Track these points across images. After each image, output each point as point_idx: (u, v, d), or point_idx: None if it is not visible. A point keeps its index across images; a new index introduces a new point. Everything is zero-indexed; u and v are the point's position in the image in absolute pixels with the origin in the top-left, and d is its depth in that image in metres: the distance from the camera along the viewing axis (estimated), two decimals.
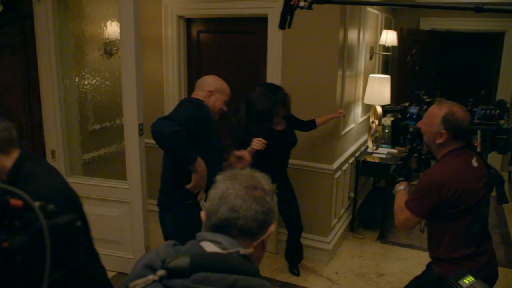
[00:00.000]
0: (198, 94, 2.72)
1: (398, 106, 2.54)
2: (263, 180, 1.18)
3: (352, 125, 4.41)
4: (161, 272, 1.02)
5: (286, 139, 3.41)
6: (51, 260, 0.70)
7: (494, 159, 4.08)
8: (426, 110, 2.26)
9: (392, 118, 5.07)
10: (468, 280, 1.46)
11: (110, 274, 3.63)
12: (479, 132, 2.17)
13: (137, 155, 3.36)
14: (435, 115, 2.10)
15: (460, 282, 1.46)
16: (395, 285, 3.61)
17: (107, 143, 3.76)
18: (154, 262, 1.08)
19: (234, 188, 1.12)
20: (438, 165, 2.15)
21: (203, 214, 1.18)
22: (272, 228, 1.16)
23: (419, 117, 2.32)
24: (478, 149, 2.18)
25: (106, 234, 3.63)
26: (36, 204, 0.72)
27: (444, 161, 2.12)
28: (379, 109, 4.51)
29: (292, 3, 1.78)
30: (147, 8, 4.15)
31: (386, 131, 5.13)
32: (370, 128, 4.66)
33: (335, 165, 3.86)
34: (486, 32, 6.27)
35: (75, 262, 0.80)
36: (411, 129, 2.36)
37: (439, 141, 2.10)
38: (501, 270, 3.98)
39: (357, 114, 4.61)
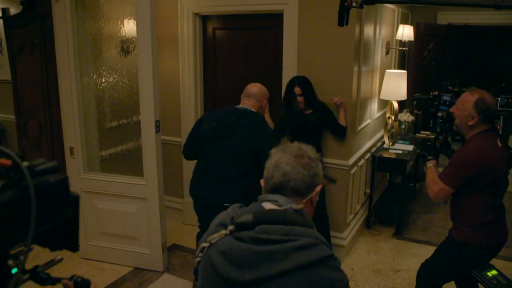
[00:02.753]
0: (255, 104, 2.99)
1: (429, 95, 2.89)
2: (309, 150, 1.41)
3: (368, 121, 4.39)
4: (231, 227, 1.27)
5: (308, 122, 3.59)
6: (40, 215, 0.78)
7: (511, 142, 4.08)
8: (457, 97, 2.62)
9: (408, 114, 5.06)
10: (491, 273, 1.57)
11: (127, 269, 3.70)
12: (501, 117, 2.55)
13: (154, 152, 3.40)
14: (468, 100, 2.42)
15: (483, 273, 1.56)
16: (411, 281, 3.59)
17: (124, 140, 3.80)
18: (224, 220, 1.32)
19: (285, 157, 1.36)
20: (471, 143, 2.45)
21: (262, 181, 1.42)
22: (319, 188, 1.39)
23: (451, 103, 2.69)
24: (500, 132, 2.56)
25: (123, 230, 3.68)
26: (24, 163, 0.78)
27: (475, 140, 2.44)
28: (396, 105, 4.47)
29: (346, 4, 2.07)
30: (163, 6, 4.18)
31: (403, 126, 5.10)
32: (386, 123, 4.63)
33: (351, 160, 3.85)
34: (505, 25, 6.16)
35: (64, 217, 0.88)
36: (440, 114, 2.73)
37: (471, 123, 2.42)
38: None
39: (373, 110, 4.59)
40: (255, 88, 3.03)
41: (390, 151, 4.53)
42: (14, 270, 0.85)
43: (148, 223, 3.61)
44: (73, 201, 0.90)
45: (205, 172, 2.93)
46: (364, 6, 2.10)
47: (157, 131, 3.37)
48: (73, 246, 0.96)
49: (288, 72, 3.78)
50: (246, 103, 2.98)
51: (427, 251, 4.09)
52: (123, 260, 3.75)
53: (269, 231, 1.22)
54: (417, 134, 4.98)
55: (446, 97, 2.76)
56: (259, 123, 2.94)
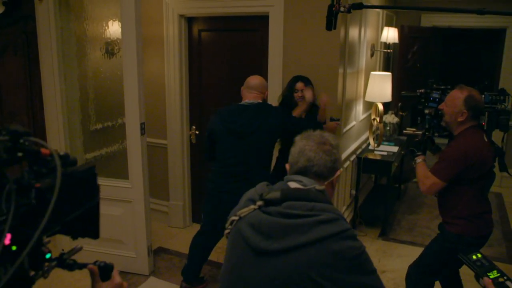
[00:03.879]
0: (259, 96, 3.09)
1: (416, 92, 2.97)
2: (330, 137, 1.56)
3: (353, 123, 4.42)
4: (260, 203, 1.43)
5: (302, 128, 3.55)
6: (73, 200, 0.89)
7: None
8: (444, 94, 2.75)
9: (393, 115, 5.10)
10: (476, 256, 1.66)
11: None
12: (486, 113, 2.65)
13: (139, 154, 3.37)
14: (458, 97, 2.52)
15: (469, 256, 1.66)
16: (396, 281, 3.62)
17: (109, 142, 3.77)
18: (253, 196, 1.49)
19: (308, 144, 1.51)
20: (461, 138, 2.54)
21: (287, 166, 1.58)
22: (339, 172, 1.56)
23: (440, 100, 2.76)
24: (485, 128, 2.65)
25: (109, 233, 3.65)
26: (61, 152, 0.87)
27: (464, 136, 2.52)
28: (381, 107, 4.51)
29: (334, 9, 2.12)
30: (148, 7, 4.16)
31: (388, 128, 5.14)
32: (371, 125, 4.66)
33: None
34: (487, 28, 6.26)
35: (92, 203, 0.96)
36: (427, 111, 2.81)
37: (460, 119, 2.51)
38: (503, 266, 3.99)
39: (359, 112, 4.62)
40: (256, 80, 3.13)
41: (375, 152, 4.56)
42: (48, 255, 0.92)
43: (133, 226, 3.58)
44: (97, 189, 0.98)
45: (231, 169, 3.03)
46: (351, 11, 2.14)
47: (142, 134, 3.35)
48: (95, 234, 1.01)
49: (274, 74, 3.79)
50: (250, 96, 3.08)
51: (412, 252, 4.13)
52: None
53: (295, 207, 1.37)
54: (404, 131, 5.02)
55: (435, 94, 2.84)
56: (269, 108, 3.09)
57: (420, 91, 2.92)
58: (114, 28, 3.50)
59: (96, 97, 3.68)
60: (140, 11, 3.24)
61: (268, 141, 3.07)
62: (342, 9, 2.12)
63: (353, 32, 4.01)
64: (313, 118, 3.53)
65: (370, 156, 4.48)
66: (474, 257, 1.66)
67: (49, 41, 3.45)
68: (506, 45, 5.88)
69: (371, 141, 4.65)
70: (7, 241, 0.76)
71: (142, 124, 3.34)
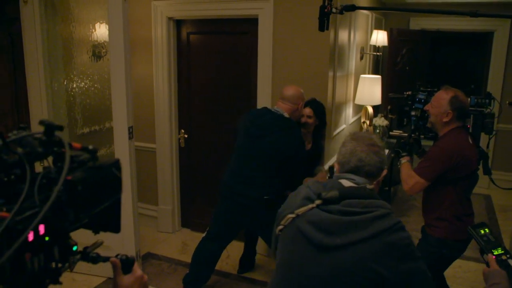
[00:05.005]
0: (290, 107, 3.05)
1: (403, 94, 3.00)
2: (377, 139, 1.70)
3: (343, 126, 4.40)
4: (318, 201, 1.53)
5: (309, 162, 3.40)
6: (100, 192, 0.92)
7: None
8: (430, 96, 2.76)
9: (383, 118, 5.10)
10: (484, 230, 1.73)
11: (100, 280, 3.60)
12: (472, 116, 2.67)
13: (127, 159, 3.32)
14: (443, 98, 2.55)
15: (477, 230, 1.73)
16: None
17: (96, 146, 3.71)
18: (310, 195, 1.58)
19: (359, 146, 1.63)
20: (446, 138, 2.57)
21: (336, 165, 1.70)
22: (385, 172, 1.68)
23: (426, 101, 2.79)
24: (470, 130, 2.68)
25: (96, 239, 3.58)
26: (90, 147, 0.91)
27: (449, 136, 2.55)
28: (370, 110, 4.51)
29: (326, 10, 2.12)
30: (137, 9, 4.12)
31: (377, 131, 5.14)
32: (361, 128, 4.66)
33: (327, 166, 3.85)
34: (475, 31, 6.30)
35: (118, 195, 0.99)
36: (413, 113, 2.86)
37: (446, 119, 2.54)
38: None
39: (348, 115, 4.61)
40: (291, 90, 3.09)
41: None
42: (74, 248, 0.94)
43: (121, 231, 3.51)
44: (121, 183, 1.01)
45: (240, 171, 3.04)
46: (344, 12, 2.14)
47: (130, 138, 3.30)
48: (116, 228, 1.03)
49: (263, 76, 3.76)
50: (282, 106, 3.05)
51: None
52: (95, 270, 3.64)
53: (353, 205, 1.50)
54: (390, 133, 5.02)
55: (421, 96, 2.88)
56: (291, 129, 3.01)
57: (407, 93, 2.96)
58: (101, 31, 3.46)
59: (83, 100, 3.62)
60: (127, 13, 3.19)
61: (275, 155, 2.98)
62: (334, 10, 2.12)
63: (343, 35, 3.99)
64: (319, 141, 3.59)
65: None
66: (482, 231, 1.72)
67: (35, 43, 3.39)
68: (493, 48, 5.93)
69: None
70: (41, 231, 0.78)
71: (130, 128, 3.29)
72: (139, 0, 4.12)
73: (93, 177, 0.87)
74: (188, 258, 3.87)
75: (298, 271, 1.55)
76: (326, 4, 2.14)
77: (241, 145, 3.06)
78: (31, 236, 0.76)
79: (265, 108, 3.13)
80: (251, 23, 3.79)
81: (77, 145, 0.88)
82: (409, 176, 2.59)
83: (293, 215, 1.57)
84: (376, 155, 1.63)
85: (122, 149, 3.32)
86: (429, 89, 2.88)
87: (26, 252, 0.77)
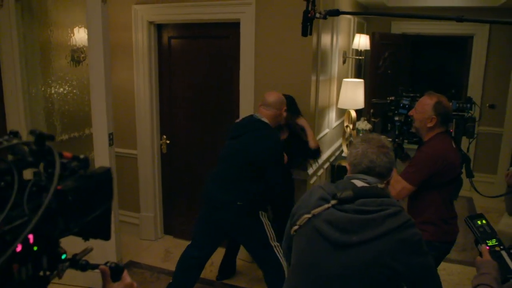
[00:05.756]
0: (272, 113, 3.04)
1: (387, 100, 3.02)
2: (385, 140, 1.78)
3: (326, 130, 4.39)
4: (333, 201, 1.60)
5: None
6: (90, 202, 0.92)
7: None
8: (414, 101, 2.81)
9: (366, 122, 5.12)
10: (481, 221, 1.77)
11: None
12: (454, 120, 2.74)
13: (107, 165, 3.24)
14: (427, 103, 2.58)
15: (474, 221, 1.77)
16: None
17: (76, 153, 3.62)
18: (324, 196, 1.65)
19: (370, 148, 1.71)
20: (431, 143, 2.59)
21: (348, 165, 1.78)
22: (394, 172, 1.80)
23: (410, 107, 2.81)
24: (453, 134, 2.72)
25: (76, 248, 3.49)
26: (82, 156, 0.91)
27: (434, 141, 2.58)
28: (353, 114, 4.51)
29: (309, 15, 2.10)
30: (116, 13, 4.05)
31: (360, 134, 5.15)
32: (344, 132, 4.66)
33: (311, 171, 3.83)
34: (455, 35, 6.38)
35: (109, 203, 0.99)
36: (397, 118, 2.89)
37: (430, 124, 2.57)
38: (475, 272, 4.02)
39: (332, 119, 4.60)
40: (274, 96, 3.08)
41: None
42: (63, 256, 0.94)
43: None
44: (112, 191, 1.02)
45: (217, 174, 3.04)
46: (327, 17, 2.11)
47: (110, 144, 3.23)
48: (106, 235, 1.03)
49: (245, 81, 3.73)
50: (264, 112, 3.04)
51: None
52: (76, 280, 3.54)
53: (367, 204, 1.57)
54: None
55: (405, 101, 2.90)
56: (265, 130, 2.99)
57: (390, 98, 2.99)
58: (80, 35, 3.39)
59: (62, 106, 3.54)
60: (107, 17, 3.13)
61: (243, 156, 2.96)
62: (318, 15, 2.08)
63: (325, 39, 3.99)
64: (302, 148, 3.53)
65: (344, 164, 4.46)
66: (479, 222, 1.76)
67: (11, 48, 3.31)
68: (473, 52, 6.00)
69: (344, 148, 4.65)
70: (30, 241, 0.78)
71: (110, 134, 3.22)
72: (119, 4, 4.05)
73: (84, 186, 0.87)
74: (171, 266, 3.81)
75: (315, 269, 1.62)
76: (309, 9, 2.11)
77: (222, 151, 3.07)
78: (19, 247, 0.75)
79: (250, 115, 3.14)
80: (233, 27, 3.75)
81: (68, 154, 0.89)
82: (396, 181, 2.59)
83: (309, 215, 1.64)
84: (385, 156, 1.72)
85: (102, 156, 3.24)
86: (411, 95, 2.92)
87: (13, 263, 0.76)
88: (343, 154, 4.67)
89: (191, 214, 4.12)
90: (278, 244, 3.06)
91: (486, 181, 5.43)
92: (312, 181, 3.90)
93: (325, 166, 4.39)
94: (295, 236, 1.72)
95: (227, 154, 3.03)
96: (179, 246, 4.21)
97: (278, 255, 3.06)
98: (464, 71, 6.33)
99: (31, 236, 0.78)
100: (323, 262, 1.60)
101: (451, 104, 2.70)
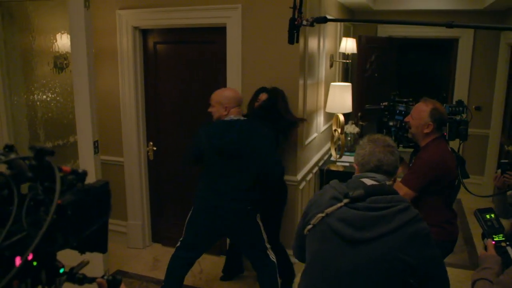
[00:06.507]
0: (238, 110, 3.06)
1: (380, 105, 3.07)
2: (390, 140, 1.89)
3: (315, 134, 4.36)
4: (346, 200, 1.67)
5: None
6: (90, 214, 0.92)
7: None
8: (409, 107, 2.88)
9: (354, 126, 5.10)
10: (490, 215, 1.78)
11: None
12: (447, 124, 2.75)
13: (93, 174, 3.17)
14: (423, 110, 2.63)
15: (483, 215, 1.79)
16: None
17: (60, 162, 3.53)
18: (336, 195, 1.72)
19: (377, 147, 1.81)
20: (430, 149, 2.63)
21: (355, 165, 1.88)
22: (400, 169, 1.93)
23: (406, 113, 2.87)
24: (447, 138, 2.76)
25: (61, 258, 3.41)
26: (80, 170, 0.90)
27: (432, 147, 2.62)
28: (342, 117, 4.49)
29: (296, 22, 2.07)
30: (100, 19, 3.99)
31: (349, 138, 5.13)
32: (333, 136, 4.64)
33: (300, 176, 3.80)
34: (440, 38, 6.42)
35: (107, 217, 0.99)
36: (392, 123, 2.95)
37: (426, 131, 2.62)
38: (465, 273, 4.03)
39: (320, 123, 4.58)
40: (229, 93, 3.07)
41: (338, 163, 4.53)
42: (61, 270, 0.95)
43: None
44: (110, 205, 1.01)
45: (219, 185, 2.98)
46: (314, 24, 2.08)
47: (95, 152, 3.16)
48: (103, 248, 1.02)
49: (233, 86, 3.68)
50: (231, 112, 3.02)
51: None
52: None
53: (378, 201, 1.65)
54: None
55: (401, 107, 2.98)
56: (260, 132, 3.02)
57: (383, 104, 3.03)
58: (63, 41, 3.32)
59: (45, 114, 3.46)
60: (90, 23, 3.06)
61: (253, 161, 2.97)
62: (305, 22, 2.05)
63: (313, 43, 3.97)
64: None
65: (333, 168, 4.44)
66: (488, 216, 1.78)
67: None
68: (459, 54, 6.04)
69: (333, 152, 4.62)
70: (30, 257, 0.78)
71: (95, 142, 3.15)
72: (102, 9, 3.99)
73: (82, 200, 0.88)
74: (160, 275, 3.75)
75: (330, 266, 1.69)
76: (296, 16, 2.08)
77: (214, 164, 3.00)
78: (18, 262, 0.75)
79: (222, 121, 3.03)
80: (219, 32, 3.71)
81: (66, 168, 0.88)
82: (398, 188, 2.61)
83: (322, 214, 1.70)
84: (392, 155, 1.81)
85: (87, 164, 3.17)
86: (405, 100, 2.98)
87: (14, 280, 0.76)
88: (332, 158, 4.64)
89: (179, 221, 4.06)
90: (270, 246, 3.17)
91: (473, 183, 5.44)
92: (301, 187, 3.87)
93: (314, 170, 4.36)
94: (308, 235, 1.79)
95: (225, 163, 2.98)
96: (167, 254, 4.12)
97: (271, 257, 3.14)
98: (450, 74, 6.37)
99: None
100: (337, 259, 1.67)
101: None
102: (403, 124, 2.83)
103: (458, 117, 2.83)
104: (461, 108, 2.86)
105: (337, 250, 1.68)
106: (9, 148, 0.83)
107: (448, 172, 2.61)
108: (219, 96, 3.06)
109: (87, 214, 0.92)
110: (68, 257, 1.04)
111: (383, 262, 1.61)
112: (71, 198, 0.84)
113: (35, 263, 0.81)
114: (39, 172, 0.83)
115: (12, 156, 0.81)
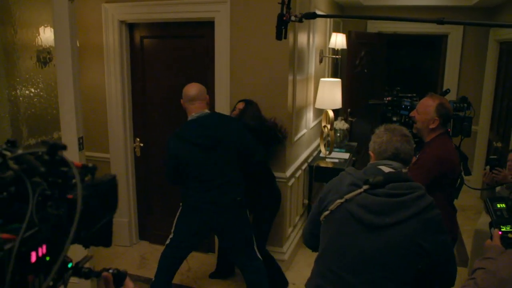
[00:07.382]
0: (203, 105, 3.02)
1: (384, 100, 3.16)
2: (406, 130, 1.94)
3: (304, 131, 4.32)
4: (366, 186, 1.73)
5: None
6: (98, 210, 0.92)
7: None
8: (414, 102, 2.92)
9: (343, 122, 5.08)
10: (500, 205, 1.79)
11: None
12: (452, 120, 2.75)
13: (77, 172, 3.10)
14: (430, 105, 2.63)
15: (494, 203, 1.80)
16: None
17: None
18: (355, 181, 1.78)
19: (395, 136, 1.88)
20: (435, 145, 2.63)
21: (371, 152, 1.94)
22: (415, 158, 2.01)
23: (412, 108, 2.88)
24: (451, 134, 2.77)
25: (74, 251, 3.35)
26: (90, 165, 0.90)
27: (437, 142, 2.62)
28: (331, 113, 4.46)
29: (285, 18, 2.03)
30: (85, 12, 3.90)
31: (338, 134, 5.11)
32: (322, 132, 4.60)
33: (289, 172, 3.76)
34: (430, 34, 6.42)
35: (114, 212, 0.99)
36: (395, 119, 3.01)
37: (432, 126, 2.61)
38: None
39: (309, 119, 4.54)
40: (193, 89, 3.02)
41: (327, 160, 4.50)
42: (69, 265, 0.94)
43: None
44: (117, 199, 1.01)
45: (208, 184, 2.94)
46: (303, 20, 2.03)
47: (80, 149, 3.09)
48: (108, 242, 1.02)
49: (221, 81, 3.64)
50: (197, 108, 2.99)
51: None
52: None
53: (397, 187, 1.71)
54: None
55: (407, 102, 3.00)
56: (231, 124, 3.05)
57: (387, 99, 3.08)
58: (46, 35, 3.23)
59: (28, 110, 3.37)
60: (75, 16, 2.98)
61: (233, 151, 2.98)
62: (293, 18, 2.00)
63: (302, 39, 3.92)
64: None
65: (322, 164, 4.41)
66: (498, 205, 1.80)
67: None
68: (448, 50, 6.04)
69: (322, 148, 4.59)
70: (43, 251, 0.78)
71: (80, 138, 3.07)
72: (88, 2, 3.91)
73: (92, 194, 0.88)
74: (147, 273, 3.70)
75: (349, 251, 1.73)
76: (284, 12, 2.02)
77: (198, 163, 2.94)
78: (33, 258, 0.76)
79: (189, 121, 3.00)
80: (208, 26, 3.65)
81: (78, 163, 0.88)
82: None
83: (342, 200, 1.75)
84: (408, 144, 1.88)
85: (72, 161, 3.10)
86: (409, 95, 2.99)
87: (29, 274, 0.77)
88: (321, 155, 4.61)
89: (167, 218, 4.00)
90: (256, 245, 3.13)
91: (468, 179, 5.45)
92: (290, 183, 3.83)
93: (303, 167, 4.33)
94: (324, 221, 1.83)
95: (208, 158, 2.92)
96: (155, 252, 4.08)
97: (258, 255, 3.12)
98: (439, 70, 6.37)
99: (44, 246, 0.79)
100: (356, 244, 1.72)
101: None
102: (407, 119, 2.84)
103: (462, 114, 2.83)
104: (465, 105, 2.87)
105: (356, 235, 1.72)
106: (12, 144, 0.83)
107: (452, 168, 2.60)
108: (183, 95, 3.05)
109: (98, 208, 0.93)
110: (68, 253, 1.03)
111: (401, 247, 1.67)
112: (83, 192, 0.84)
113: (48, 258, 0.81)
114: (51, 167, 0.82)
115: (20, 151, 0.81)
